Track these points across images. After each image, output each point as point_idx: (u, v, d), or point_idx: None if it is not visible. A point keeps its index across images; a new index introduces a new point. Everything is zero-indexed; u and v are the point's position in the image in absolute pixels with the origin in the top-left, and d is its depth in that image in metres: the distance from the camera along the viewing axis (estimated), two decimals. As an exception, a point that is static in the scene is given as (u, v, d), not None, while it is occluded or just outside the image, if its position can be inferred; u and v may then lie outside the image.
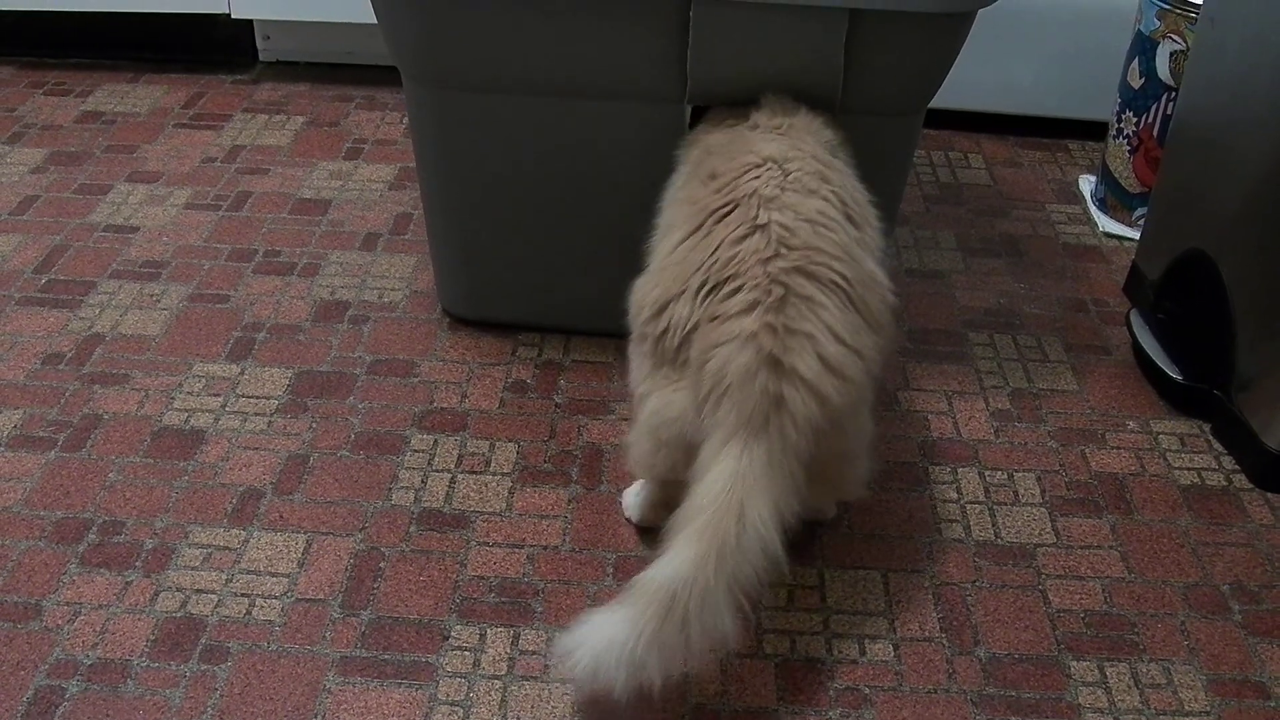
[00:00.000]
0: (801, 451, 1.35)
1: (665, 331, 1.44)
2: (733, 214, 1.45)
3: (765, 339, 1.35)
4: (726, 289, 1.40)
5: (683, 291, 1.44)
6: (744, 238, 1.42)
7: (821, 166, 1.52)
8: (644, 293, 1.50)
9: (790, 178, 1.48)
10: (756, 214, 1.43)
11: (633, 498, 1.68)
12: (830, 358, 1.37)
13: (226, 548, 1.62)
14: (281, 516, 1.67)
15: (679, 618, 1.29)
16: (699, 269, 1.43)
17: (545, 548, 1.64)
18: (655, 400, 1.47)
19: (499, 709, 1.43)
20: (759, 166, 1.49)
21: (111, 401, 1.86)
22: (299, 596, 1.56)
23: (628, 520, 1.68)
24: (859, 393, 1.41)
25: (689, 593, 1.28)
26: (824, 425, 1.36)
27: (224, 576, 1.58)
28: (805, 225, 1.43)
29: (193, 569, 1.59)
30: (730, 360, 1.36)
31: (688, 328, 1.42)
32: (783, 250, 1.40)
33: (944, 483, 1.77)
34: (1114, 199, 2.43)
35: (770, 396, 1.34)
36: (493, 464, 1.77)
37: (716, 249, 1.43)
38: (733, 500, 1.32)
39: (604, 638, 1.29)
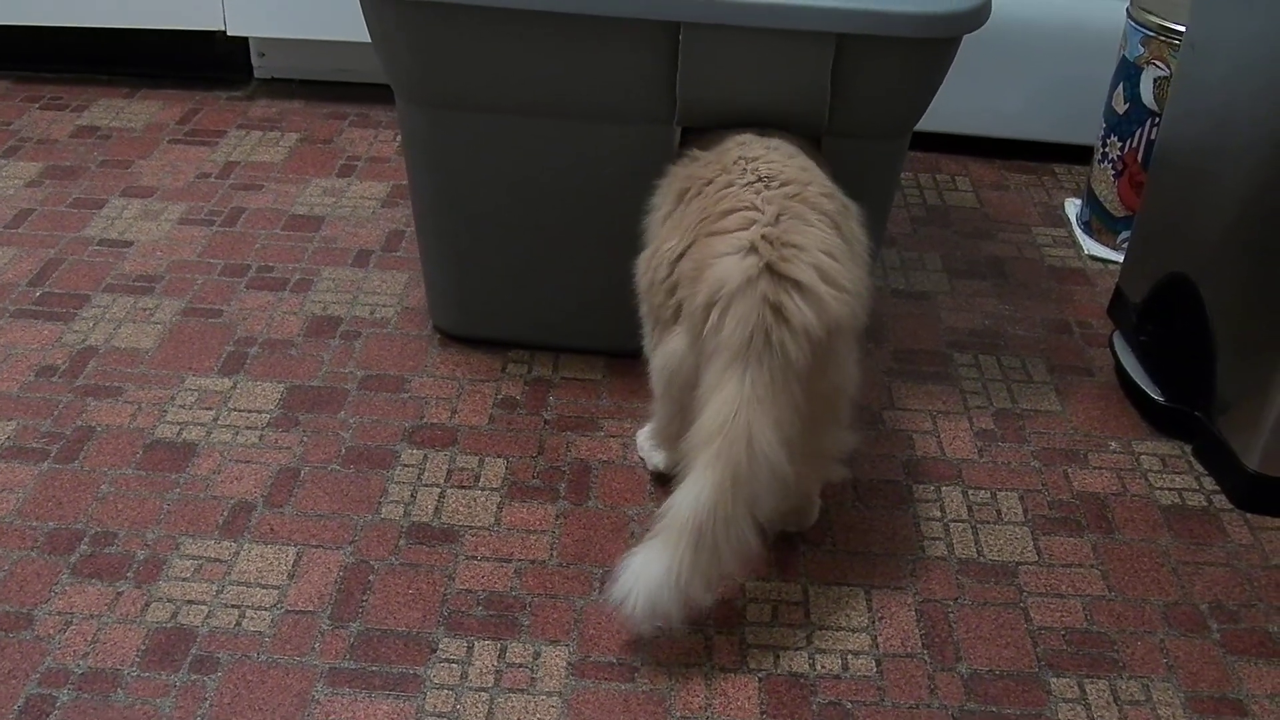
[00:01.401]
0: (801, 369, 1.42)
1: (666, 279, 1.55)
2: (722, 176, 1.56)
3: (764, 249, 1.43)
4: (721, 211, 1.50)
5: (683, 242, 1.54)
6: (734, 182, 1.54)
7: (799, 151, 1.63)
8: (645, 259, 1.62)
9: (771, 146, 1.61)
10: (745, 166, 1.56)
11: (645, 439, 1.81)
12: (825, 268, 1.45)
13: (217, 559, 1.64)
14: (272, 529, 1.69)
15: (709, 544, 1.40)
16: (697, 216, 1.54)
17: (533, 562, 1.66)
18: (659, 354, 1.57)
19: (485, 721, 1.44)
20: (742, 144, 1.62)
21: (104, 414, 1.88)
22: (288, 608, 1.57)
23: (652, 470, 1.80)
24: (852, 308, 1.47)
25: (713, 521, 1.40)
26: (821, 337, 1.43)
27: (214, 588, 1.60)
28: (792, 165, 1.57)
29: (183, 580, 1.60)
30: (731, 269, 1.43)
31: (680, 252, 1.53)
32: (773, 184, 1.52)
33: (928, 501, 1.79)
34: (1099, 222, 2.45)
35: (770, 305, 1.41)
36: (482, 479, 1.79)
37: (709, 197, 1.54)
38: (739, 426, 1.39)
39: (650, 577, 1.41)
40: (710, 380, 1.44)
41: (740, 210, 1.49)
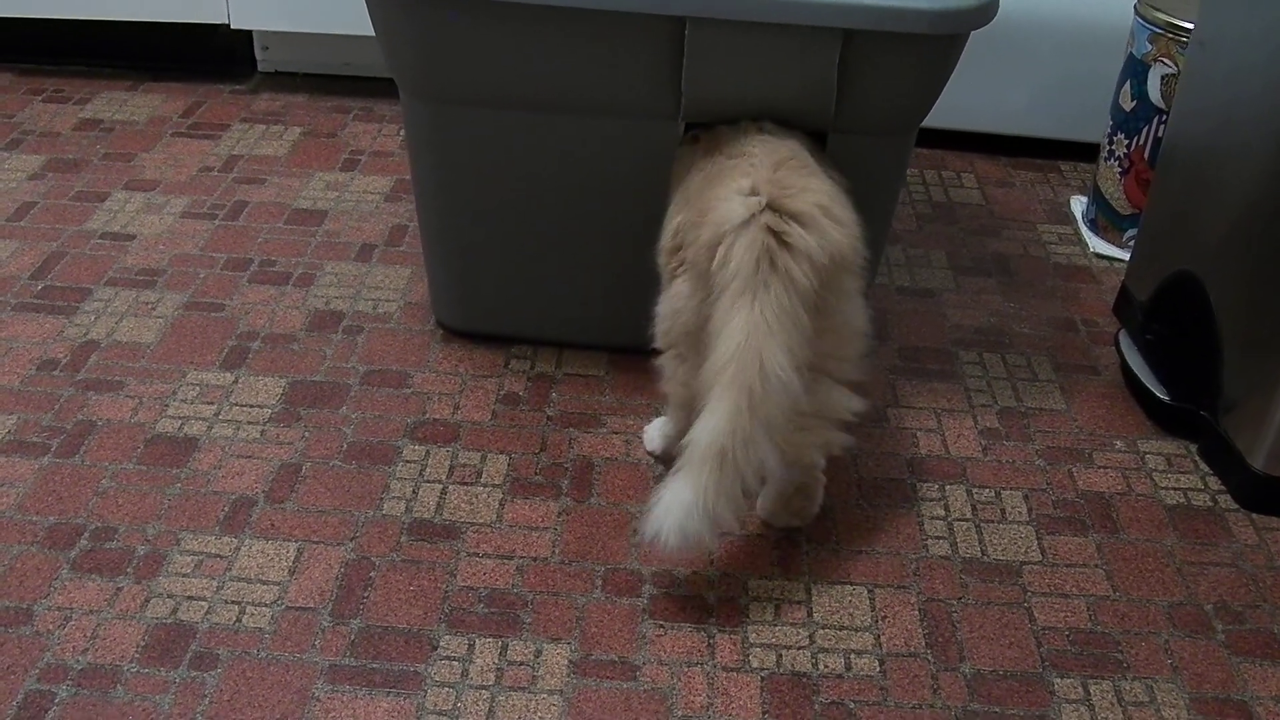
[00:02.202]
0: (808, 296, 1.48)
1: (671, 244, 1.63)
2: (719, 156, 1.64)
3: (764, 188, 1.51)
4: (720, 170, 1.60)
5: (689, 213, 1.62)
6: (737, 153, 1.61)
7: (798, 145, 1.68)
8: (662, 235, 1.68)
9: (770, 134, 1.67)
10: (745, 145, 1.63)
11: (654, 430, 1.83)
12: (824, 205, 1.52)
13: (218, 555, 1.63)
14: (273, 525, 1.68)
15: (732, 467, 1.46)
16: (699, 186, 1.62)
17: (535, 559, 1.65)
18: (662, 303, 1.64)
19: (486, 719, 1.43)
20: (742, 131, 1.69)
21: (105, 408, 1.87)
22: (289, 604, 1.57)
23: (649, 454, 1.83)
24: (851, 240, 1.54)
25: (733, 443, 1.45)
26: (825, 264, 1.49)
27: (215, 584, 1.59)
28: (792, 142, 1.65)
29: (184, 576, 1.60)
30: (734, 207, 1.50)
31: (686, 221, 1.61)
32: (773, 154, 1.59)
33: (932, 499, 1.79)
34: (1105, 220, 2.44)
35: (773, 233, 1.47)
36: (484, 475, 1.78)
37: (709, 170, 1.63)
38: (750, 351, 1.45)
39: (678, 506, 1.46)
40: (720, 315, 1.49)
41: (739, 160, 1.59)
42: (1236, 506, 1.81)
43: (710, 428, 1.46)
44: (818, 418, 1.60)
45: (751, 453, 1.46)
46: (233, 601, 1.57)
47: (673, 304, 1.61)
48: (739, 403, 1.45)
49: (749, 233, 1.48)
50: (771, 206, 1.49)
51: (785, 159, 1.58)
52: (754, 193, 1.51)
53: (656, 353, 1.68)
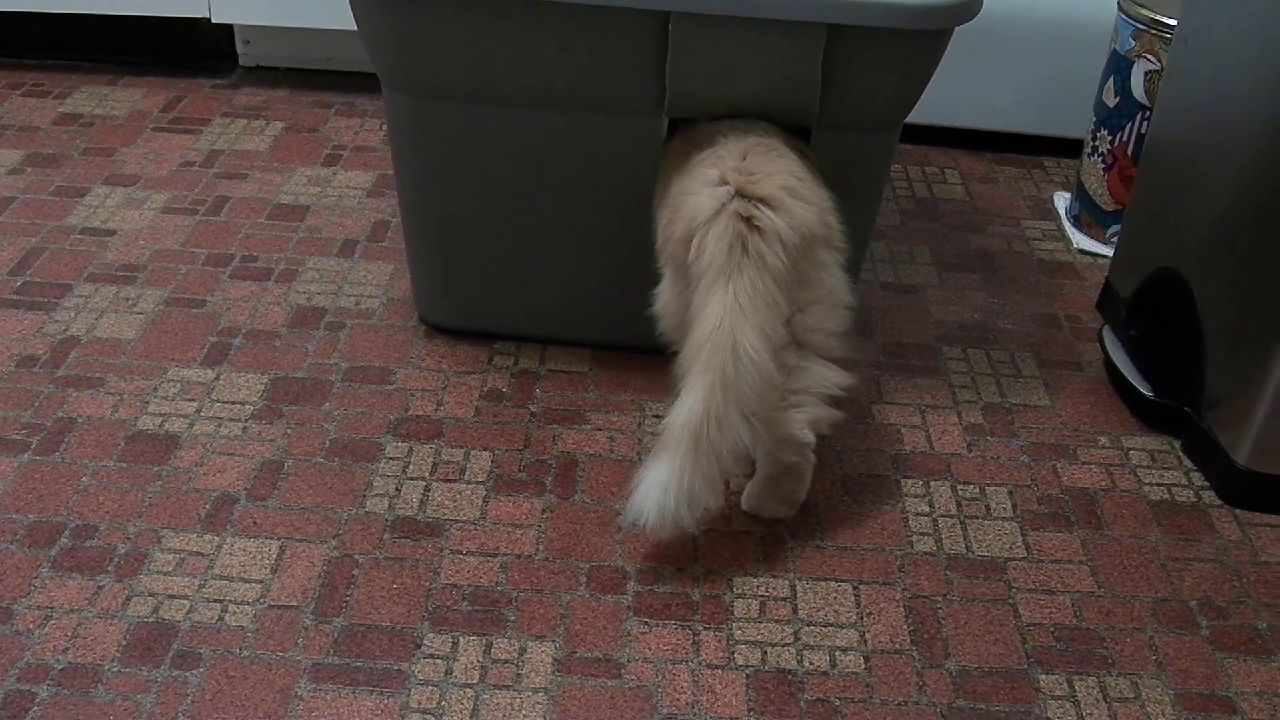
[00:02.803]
0: (781, 275, 1.52)
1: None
2: (697, 144, 1.69)
3: (732, 177, 1.56)
4: (694, 162, 1.64)
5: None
6: (706, 144, 1.66)
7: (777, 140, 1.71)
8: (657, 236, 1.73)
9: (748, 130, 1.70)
10: (714, 134, 1.68)
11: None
12: (790, 186, 1.56)
13: (199, 553, 1.62)
14: (255, 522, 1.67)
15: (707, 448, 1.50)
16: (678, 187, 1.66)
17: (519, 556, 1.64)
18: (657, 299, 1.67)
19: (471, 717, 1.43)
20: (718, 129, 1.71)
21: (86, 405, 1.86)
22: (271, 603, 1.56)
23: None
24: (820, 216, 1.58)
25: (706, 425, 1.49)
26: (795, 243, 1.53)
27: (197, 582, 1.58)
28: (760, 126, 1.70)
29: (165, 574, 1.59)
30: (703, 200, 1.56)
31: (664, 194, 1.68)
32: (740, 142, 1.64)
33: (916, 496, 1.79)
34: (1088, 216, 2.45)
35: (743, 219, 1.52)
36: (467, 472, 1.78)
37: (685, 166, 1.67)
38: (724, 334, 1.49)
39: (657, 488, 1.50)
40: (698, 302, 1.54)
41: (708, 152, 1.63)
42: (1220, 502, 1.81)
43: (685, 410, 1.50)
44: (805, 394, 1.62)
45: (725, 433, 1.50)
46: (215, 600, 1.56)
47: (661, 300, 1.67)
48: (712, 384, 1.49)
49: (719, 222, 1.53)
50: (740, 194, 1.54)
51: (752, 146, 1.63)
52: (722, 182, 1.56)
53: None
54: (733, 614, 1.58)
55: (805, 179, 1.60)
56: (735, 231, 1.52)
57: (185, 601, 1.55)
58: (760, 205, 1.53)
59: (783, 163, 1.61)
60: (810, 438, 1.65)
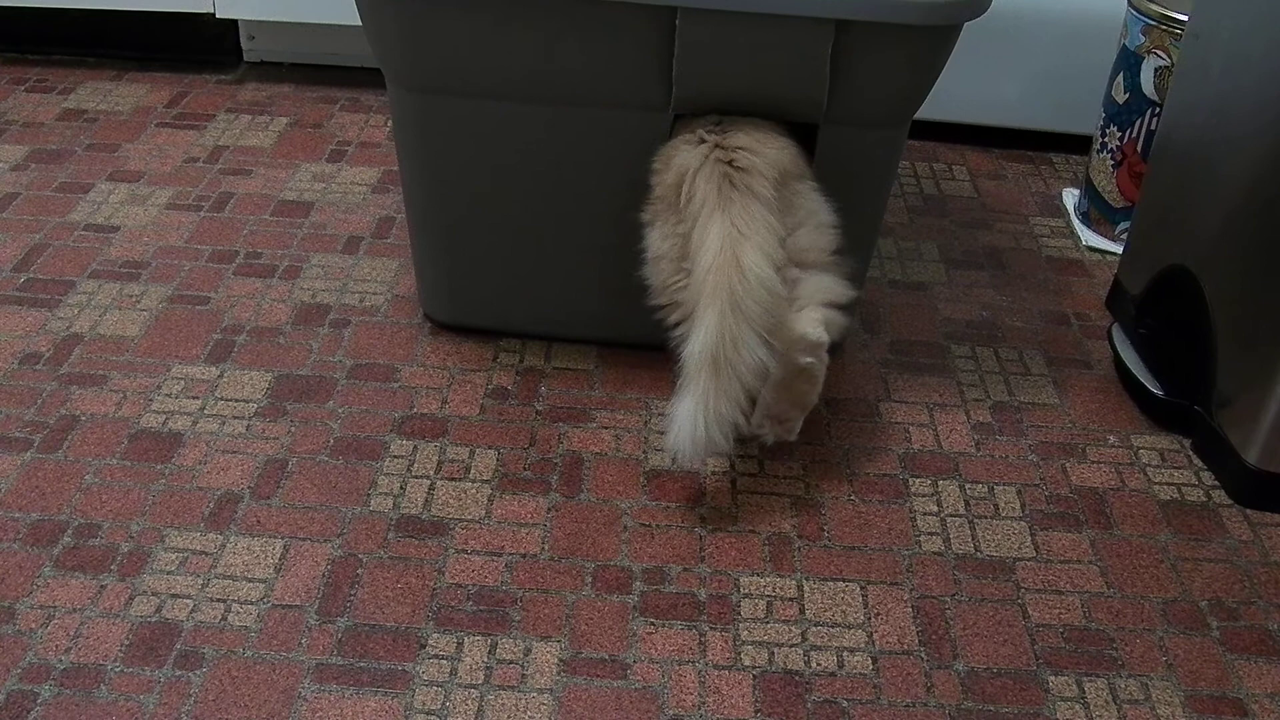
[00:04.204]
0: (770, 203, 1.62)
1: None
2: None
3: (709, 137, 1.68)
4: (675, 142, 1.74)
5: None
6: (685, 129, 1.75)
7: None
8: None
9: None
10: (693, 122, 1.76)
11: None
12: (759, 135, 1.68)
13: (203, 552, 1.61)
14: (259, 521, 1.66)
15: (727, 369, 1.56)
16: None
17: (524, 556, 1.63)
18: (648, 264, 1.73)
19: (475, 718, 1.42)
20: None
21: (89, 402, 1.85)
22: (275, 602, 1.55)
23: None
24: (791, 154, 1.70)
25: (723, 346, 1.55)
26: (776, 177, 1.64)
27: (200, 581, 1.57)
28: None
29: (168, 573, 1.58)
30: (688, 155, 1.67)
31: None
32: (713, 116, 1.74)
33: (924, 495, 1.77)
34: (1097, 213, 2.43)
35: (726, 163, 1.64)
36: (472, 471, 1.77)
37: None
38: (727, 257, 1.57)
39: (686, 419, 1.56)
40: (697, 239, 1.62)
41: (688, 132, 1.73)
42: (1230, 502, 1.80)
43: (700, 338, 1.56)
44: (811, 298, 1.67)
45: (743, 352, 1.56)
46: (218, 599, 1.55)
47: (652, 248, 1.71)
48: (723, 307, 1.55)
49: (706, 168, 1.64)
50: (718, 145, 1.66)
51: (723, 117, 1.73)
52: (700, 141, 1.68)
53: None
54: (739, 614, 1.57)
55: (772, 129, 1.71)
56: (721, 173, 1.63)
57: (188, 601, 1.54)
58: (737, 150, 1.65)
59: (749, 123, 1.71)
60: (823, 336, 1.66)
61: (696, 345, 1.57)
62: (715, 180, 1.63)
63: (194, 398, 1.87)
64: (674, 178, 1.67)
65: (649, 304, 1.70)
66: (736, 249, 1.58)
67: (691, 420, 1.56)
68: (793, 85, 1.69)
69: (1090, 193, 2.45)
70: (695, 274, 1.60)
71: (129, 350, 1.96)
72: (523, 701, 1.44)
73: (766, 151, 1.66)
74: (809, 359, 1.65)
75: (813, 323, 1.64)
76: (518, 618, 1.55)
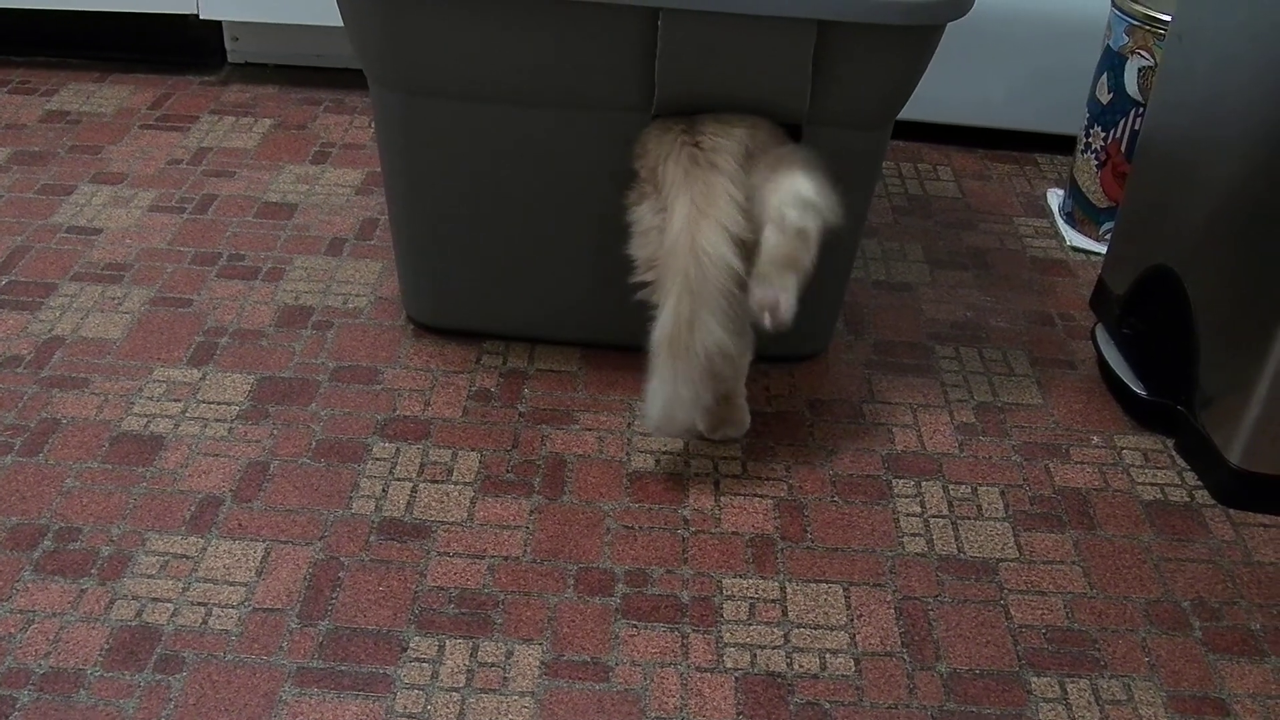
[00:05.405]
0: (734, 175, 1.62)
1: None
2: None
3: (681, 125, 1.69)
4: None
5: None
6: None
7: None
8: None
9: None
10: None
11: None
12: (723, 117, 1.69)
13: (184, 556, 1.61)
14: (240, 524, 1.66)
15: (684, 352, 1.58)
16: None
17: (506, 558, 1.63)
18: (634, 240, 1.72)
19: (457, 722, 1.42)
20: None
21: (70, 406, 1.84)
22: (256, 606, 1.54)
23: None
24: (752, 125, 1.69)
25: (678, 330, 1.57)
26: (741, 150, 1.64)
27: (181, 585, 1.56)
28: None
29: (149, 577, 1.57)
30: (661, 139, 1.69)
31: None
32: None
33: (907, 496, 1.77)
34: (1081, 213, 2.43)
35: (691, 143, 1.65)
36: (455, 473, 1.76)
37: None
38: (684, 237, 1.58)
39: (656, 403, 1.61)
40: (668, 220, 1.62)
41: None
42: (1213, 502, 1.80)
43: (660, 323, 1.59)
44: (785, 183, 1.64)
45: (699, 334, 1.57)
46: (199, 603, 1.54)
47: (643, 225, 1.70)
48: (680, 291, 1.57)
49: (674, 152, 1.65)
50: (685, 129, 1.68)
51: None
52: (671, 126, 1.70)
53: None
54: (722, 616, 1.57)
55: (739, 114, 1.71)
56: (688, 155, 1.64)
57: (169, 605, 1.54)
58: (703, 133, 1.66)
59: (721, 114, 1.71)
60: (810, 191, 1.60)
61: (657, 330, 1.60)
62: (683, 164, 1.64)
63: (176, 400, 1.86)
64: (652, 161, 1.69)
65: (632, 299, 1.69)
66: (694, 229, 1.58)
67: (659, 402, 1.61)
68: (775, 86, 1.68)
69: (1074, 193, 2.45)
70: (662, 256, 1.62)
71: (111, 353, 1.96)
72: (504, 705, 1.44)
73: (733, 130, 1.67)
74: (801, 224, 1.59)
75: (793, 182, 1.60)
76: (500, 620, 1.54)
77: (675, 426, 1.65)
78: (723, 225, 1.58)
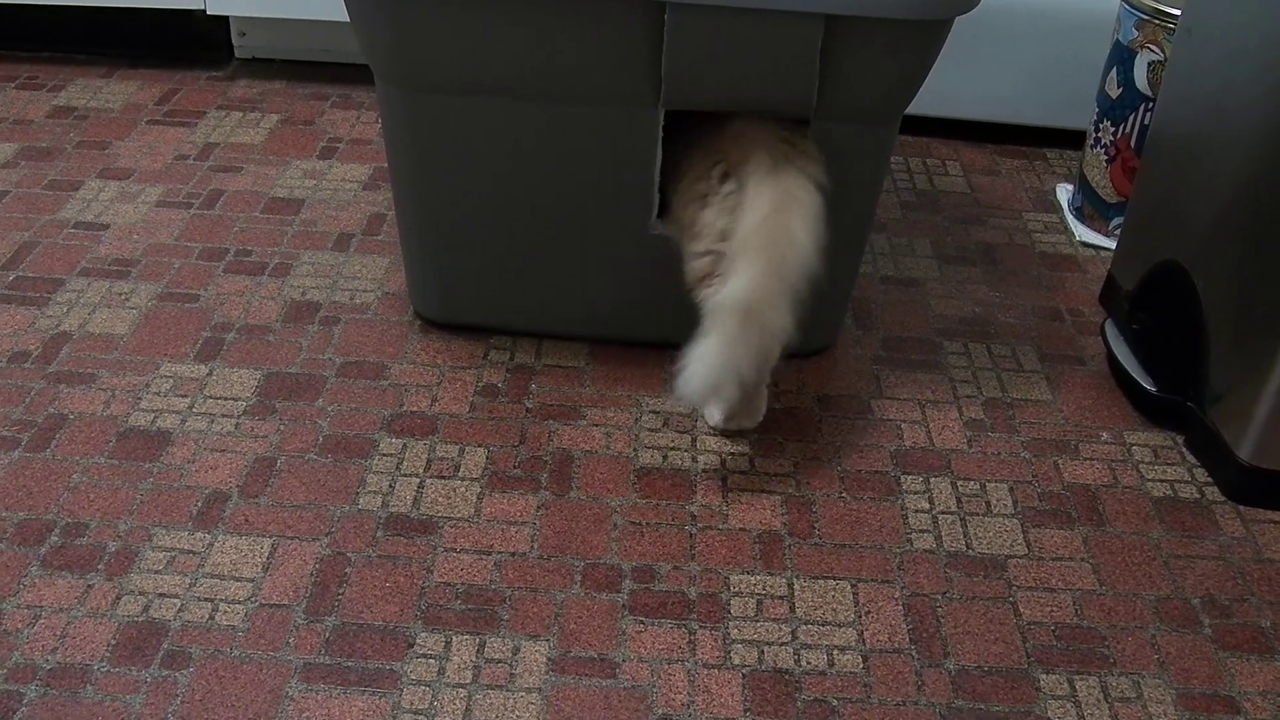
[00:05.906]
0: (822, 182, 1.65)
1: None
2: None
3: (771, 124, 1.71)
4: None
5: None
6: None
7: None
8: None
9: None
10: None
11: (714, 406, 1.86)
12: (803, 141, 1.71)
13: (191, 551, 1.60)
14: (247, 520, 1.65)
15: (756, 324, 1.57)
16: None
17: (513, 554, 1.63)
18: (692, 238, 1.71)
19: (463, 718, 1.41)
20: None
21: (77, 401, 1.84)
22: (263, 601, 1.54)
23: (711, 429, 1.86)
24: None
25: (757, 302, 1.56)
26: (822, 169, 1.67)
27: (187, 580, 1.56)
28: None
29: (156, 572, 1.57)
30: (746, 125, 1.71)
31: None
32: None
33: (916, 492, 1.77)
34: (1091, 208, 2.42)
35: (784, 141, 1.67)
36: (462, 469, 1.76)
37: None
38: (779, 223, 1.59)
39: (702, 361, 1.58)
40: (748, 196, 1.62)
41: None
42: (1223, 498, 1.79)
43: (736, 287, 1.57)
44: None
45: (773, 315, 1.57)
46: (205, 599, 1.54)
47: (718, 198, 1.68)
48: (768, 266, 1.57)
49: (768, 139, 1.67)
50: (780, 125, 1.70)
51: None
52: (762, 121, 1.71)
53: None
54: (729, 612, 1.56)
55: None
56: (782, 152, 1.65)
57: (176, 600, 1.53)
58: (794, 135, 1.70)
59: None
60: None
61: (731, 294, 1.57)
62: (776, 146, 1.66)
63: (183, 396, 1.86)
64: (731, 137, 1.71)
65: (639, 294, 1.68)
66: (789, 216, 1.59)
67: (710, 364, 1.57)
68: (782, 80, 1.68)
69: (1084, 188, 2.44)
70: (740, 230, 1.61)
71: (118, 348, 1.95)
72: (511, 701, 1.43)
73: (814, 152, 1.70)
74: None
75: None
76: (506, 616, 1.54)
77: (715, 394, 1.63)
78: (809, 227, 1.61)
